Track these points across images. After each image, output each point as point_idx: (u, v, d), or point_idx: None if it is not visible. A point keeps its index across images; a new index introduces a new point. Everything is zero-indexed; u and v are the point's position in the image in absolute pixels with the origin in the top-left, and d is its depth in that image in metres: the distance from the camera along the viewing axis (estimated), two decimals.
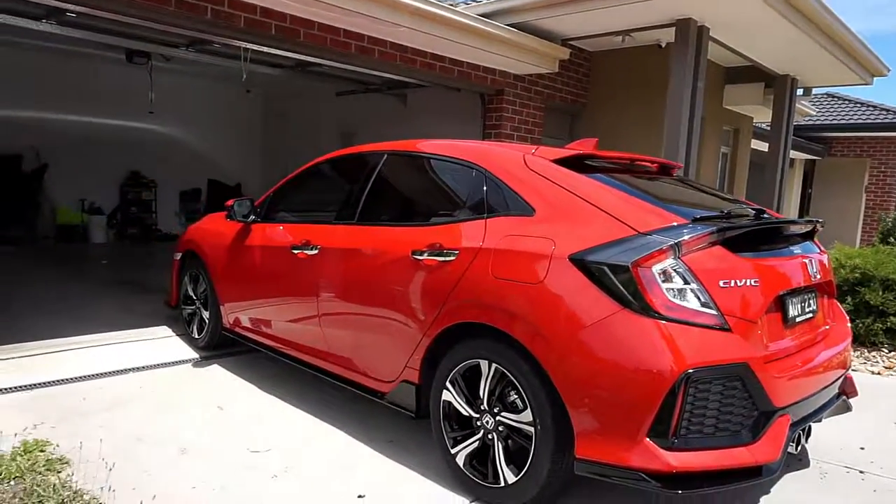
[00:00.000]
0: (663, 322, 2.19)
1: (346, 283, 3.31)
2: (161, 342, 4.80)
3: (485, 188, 2.84)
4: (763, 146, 9.68)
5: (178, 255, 4.93)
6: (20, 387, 3.71)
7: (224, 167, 11.86)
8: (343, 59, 5.74)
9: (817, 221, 2.93)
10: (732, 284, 2.31)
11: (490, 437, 2.61)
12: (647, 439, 2.16)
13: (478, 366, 2.64)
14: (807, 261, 2.75)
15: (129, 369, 4.15)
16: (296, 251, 3.63)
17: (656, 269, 2.23)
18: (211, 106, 11.36)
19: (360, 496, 2.66)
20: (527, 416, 2.45)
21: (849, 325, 3.11)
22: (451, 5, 6.35)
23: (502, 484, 2.54)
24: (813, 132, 14.42)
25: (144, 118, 10.51)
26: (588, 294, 2.30)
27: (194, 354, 4.55)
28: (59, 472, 2.70)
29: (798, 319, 2.63)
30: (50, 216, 9.88)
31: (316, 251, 3.49)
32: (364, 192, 3.42)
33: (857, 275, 5.74)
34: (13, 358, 4.16)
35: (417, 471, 2.91)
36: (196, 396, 3.79)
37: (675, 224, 2.38)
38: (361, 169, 3.60)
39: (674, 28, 6.17)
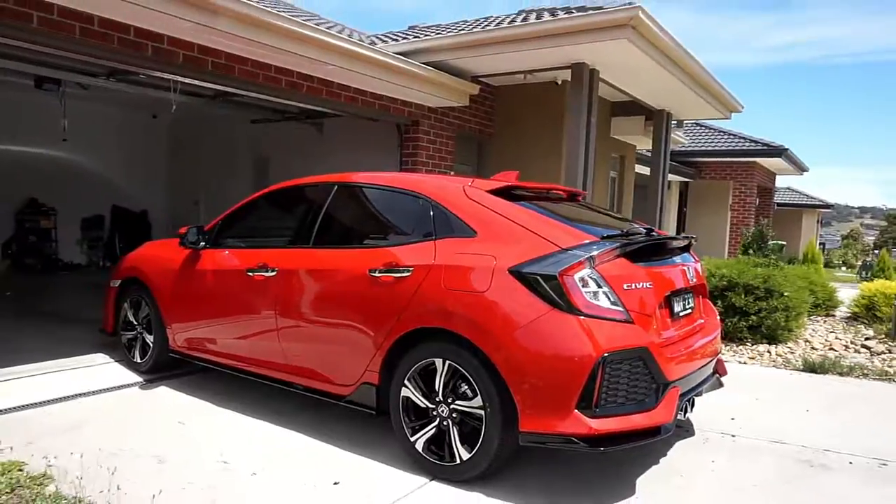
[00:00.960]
0: (584, 318, 2.80)
1: (305, 300, 3.69)
2: (102, 368, 4.89)
3: (432, 214, 3.37)
4: (645, 170, 10.92)
5: (116, 283, 5.04)
6: None
7: (129, 193, 11.60)
8: (273, 93, 6.09)
9: (692, 237, 3.70)
10: (633, 287, 2.98)
11: (445, 423, 3.10)
12: (576, 410, 2.75)
13: (433, 364, 3.13)
14: (685, 268, 3.50)
15: (78, 395, 4.25)
16: (252, 273, 3.97)
17: (577, 276, 2.85)
18: (115, 131, 11.13)
19: (335, 483, 3.06)
20: (477, 402, 2.98)
21: (718, 318, 3.91)
22: (370, 43, 6.89)
23: (458, 461, 3.04)
24: (686, 157, 16.21)
25: (43, 143, 10.18)
26: (525, 298, 2.87)
27: (138, 378, 4.69)
28: (46, 485, 2.89)
29: (681, 314, 3.35)
30: None
31: (273, 273, 3.85)
32: (318, 218, 3.84)
33: (724, 282, 6.79)
34: None
35: (379, 460, 3.34)
36: (153, 415, 3.99)
37: (587, 241, 3.02)
38: (312, 198, 4.02)
39: (569, 70, 7.05)
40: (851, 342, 6.99)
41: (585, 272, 2.88)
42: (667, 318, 3.20)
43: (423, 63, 6.88)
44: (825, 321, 8.67)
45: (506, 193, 3.42)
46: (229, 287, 4.14)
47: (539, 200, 3.58)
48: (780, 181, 21.83)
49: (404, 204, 3.57)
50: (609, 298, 2.89)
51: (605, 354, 2.76)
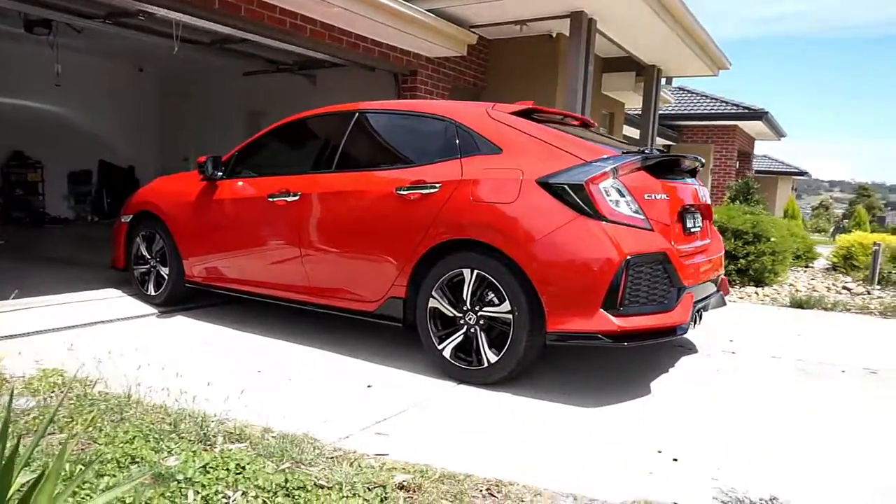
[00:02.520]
0: (608, 224, 2.97)
1: (330, 222, 3.81)
2: (116, 301, 4.95)
3: (456, 135, 3.49)
4: (633, 133, 11.10)
5: (127, 218, 5.07)
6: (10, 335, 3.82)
7: (116, 148, 11.44)
8: (277, 35, 6.07)
9: (700, 159, 3.86)
10: (652, 198, 3.16)
11: (472, 330, 3.26)
12: (601, 310, 2.93)
13: (460, 274, 3.28)
14: (696, 188, 3.68)
15: (99, 322, 4.33)
16: (273, 199, 4.05)
17: (602, 185, 3.01)
18: (101, 84, 10.90)
19: (368, 386, 3.22)
20: (505, 307, 3.14)
21: (721, 241, 4.12)
22: None
23: (486, 364, 3.21)
24: (669, 120, 16.44)
25: (29, 95, 9.98)
26: (553, 207, 3.03)
27: (153, 310, 4.77)
28: (92, 386, 2.99)
29: (692, 230, 3.55)
30: None
31: (296, 197, 3.94)
32: (341, 144, 3.94)
33: (715, 227, 7.03)
34: None
35: (407, 370, 3.51)
36: (177, 337, 4.10)
37: (609, 156, 3.18)
38: (333, 125, 4.11)
39: (567, 19, 7.13)
40: (832, 285, 7.33)
41: (609, 182, 3.04)
42: (681, 231, 3.39)
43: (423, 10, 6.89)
44: (805, 271, 9.02)
45: (527, 115, 3.55)
46: (249, 214, 4.23)
47: (557, 124, 3.72)
48: (757, 149, 22.24)
49: (428, 126, 3.68)
50: (631, 207, 3.06)
51: (629, 257, 2.94)
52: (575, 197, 3.00)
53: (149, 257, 4.93)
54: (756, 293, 6.66)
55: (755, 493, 2.19)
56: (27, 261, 6.63)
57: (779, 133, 19.24)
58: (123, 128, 11.52)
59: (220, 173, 4.44)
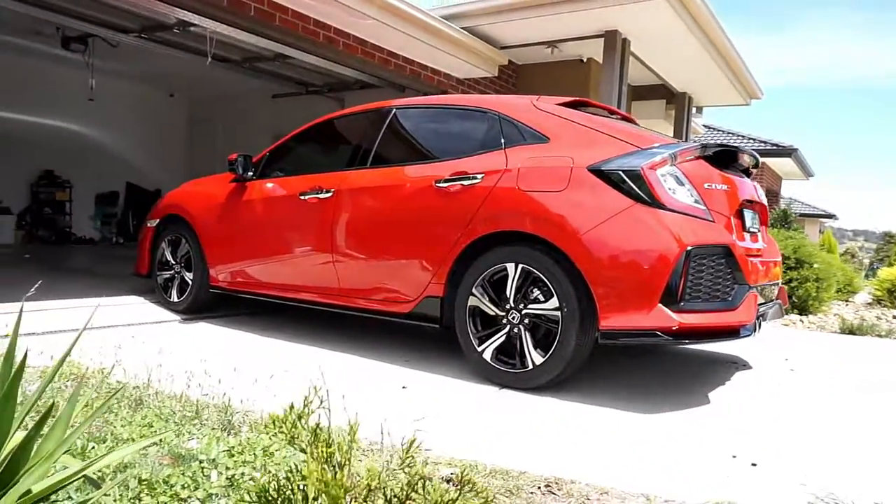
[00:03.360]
0: (667, 212, 2.76)
1: (365, 218, 3.63)
2: (140, 306, 4.80)
3: (500, 126, 3.32)
4: None
5: (153, 223, 4.96)
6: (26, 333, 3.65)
7: (144, 171, 11.53)
8: (311, 47, 6.05)
9: (756, 157, 3.63)
10: (713, 187, 2.94)
11: (516, 329, 3.03)
12: (660, 304, 2.69)
13: (503, 270, 3.07)
14: (753, 185, 3.46)
15: (118, 325, 4.15)
16: (305, 197, 3.90)
17: (660, 172, 2.81)
18: (133, 108, 11.07)
19: (403, 387, 2.99)
20: (553, 303, 2.91)
21: (777, 248, 3.87)
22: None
23: (530, 367, 2.96)
24: None
25: (61, 116, 10.13)
26: (606, 194, 2.83)
27: (175, 316, 4.60)
28: (108, 376, 2.80)
29: (751, 229, 3.31)
30: None
31: (329, 194, 3.78)
32: (376, 140, 3.79)
33: None
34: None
35: (442, 374, 3.26)
36: (203, 340, 3.91)
37: (664, 143, 2.98)
38: (368, 123, 3.97)
39: (599, 42, 7.06)
40: (881, 315, 6.97)
41: (667, 168, 2.84)
42: (741, 228, 3.16)
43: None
44: (847, 304, 8.64)
45: (574, 106, 3.39)
46: (280, 213, 4.08)
47: (605, 116, 3.54)
48: (784, 190, 21.93)
49: (467, 119, 3.53)
50: (690, 196, 2.85)
51: (689, 248, 2.71)
52: (631, 184, 2.79)
53: (173, 262, 4.78)
54: (801, 321, 6.31)
55: (857, 499, 1.90)
56: (49, 271, 6.56)
57: (807, 172, 18.94)
58: (152, 151, 11.63)
59: (250, 173, 4.32)
